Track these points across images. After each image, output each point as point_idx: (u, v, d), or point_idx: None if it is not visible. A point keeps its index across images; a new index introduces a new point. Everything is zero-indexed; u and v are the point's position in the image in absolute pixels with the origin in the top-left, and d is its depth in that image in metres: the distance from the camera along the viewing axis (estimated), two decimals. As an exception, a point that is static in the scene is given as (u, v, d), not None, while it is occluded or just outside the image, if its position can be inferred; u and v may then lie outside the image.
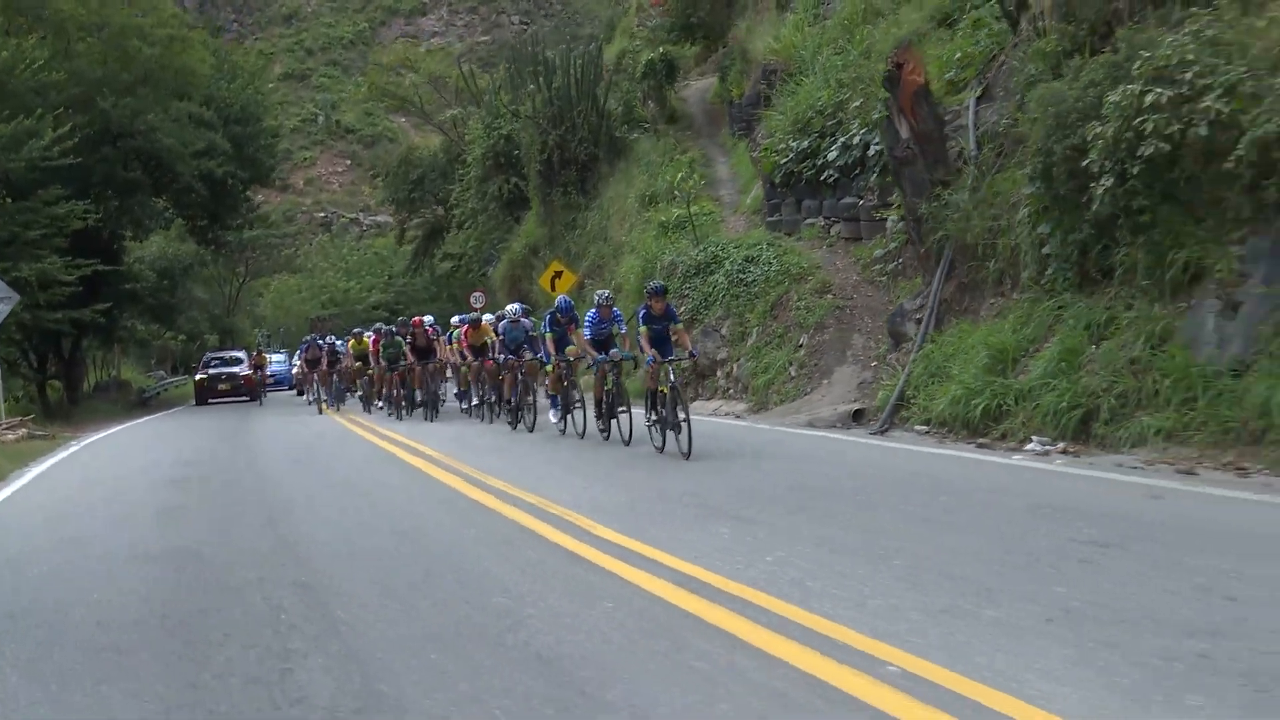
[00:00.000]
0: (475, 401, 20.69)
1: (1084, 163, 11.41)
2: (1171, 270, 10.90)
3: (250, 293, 68.95)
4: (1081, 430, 11.10)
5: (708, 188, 26.18)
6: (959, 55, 16.98)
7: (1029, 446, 11.20)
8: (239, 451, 17.13)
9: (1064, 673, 4.36)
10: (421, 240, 51.20)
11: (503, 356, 18.22)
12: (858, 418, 14.52)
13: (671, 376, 12.11)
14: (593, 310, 14.14)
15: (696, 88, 32.72)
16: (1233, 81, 10.02)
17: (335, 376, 27.60)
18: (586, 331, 14.15)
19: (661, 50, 31.00)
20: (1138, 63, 10.90)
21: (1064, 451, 10.86)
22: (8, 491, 13.24)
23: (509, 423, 17.72)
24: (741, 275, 19.57)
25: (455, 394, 22.77)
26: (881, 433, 13.51)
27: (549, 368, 15.84)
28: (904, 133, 14.91)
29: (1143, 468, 9.60)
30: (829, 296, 17.64)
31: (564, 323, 15.17)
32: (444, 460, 13.22)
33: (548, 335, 15.36)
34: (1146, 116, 10.58)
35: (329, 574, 7.14)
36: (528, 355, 17.53)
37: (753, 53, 26.71)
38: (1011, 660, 4.54)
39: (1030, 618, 5.12)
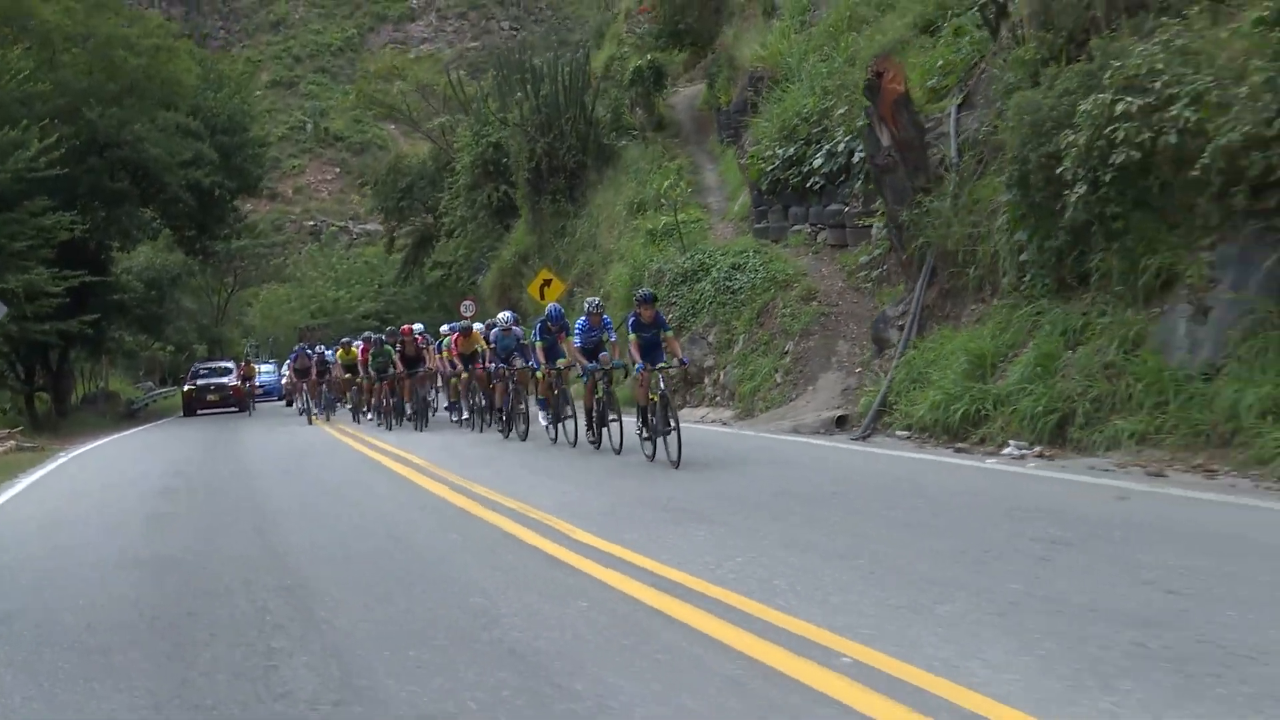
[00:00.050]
0: (465, 415, 20.82)
1: (1058, 170, 11.75)
2: (1144, 276, 11.24)
3: (239, 303, 69.23)
4: (1058, 434, 11.43)
5: (696, 195, 26.49)
6: (941, 63, 17.31)
7: (1006, 450, 11.52)
8: (227, 462, 17.42)
9: (1005, 661, 4.67)
10: (411, 249, 51.48)
11: (494, 365, 18.40)
12: (841, 424, 14.83)
13: (661, 384, 12.28)
14: (582, 318, 14.28)
15: (685, 94, 33.01)
16: (1199, 91, 10.36)
17: (324, 387, 27.81)
18: (576, 339, 14.27)
19: (649, 57, 31.29)
20: (1109, 72, 11.25)
21: (1040, 455, 11.17)
22: (-3, 502, 13.54)
23: (501, 431, 17.90)
24: (728, 283, 19.91)
25: (446, 406, 23.00)
26: (864, 438, 13.82)
27: (540, 374, 16.11)
28: (885, 141, 15.24)
29: (1114, 470, 9.92)
30: (814, 303, 17.98)
31: (554, 330, 15.40)
32: (431, 469, 13.51)
33: (538, 344, 15.64)
34: (1118, 125, 10.92)
35: (313, 578, 7.44)
36: (519, 363, 17.66)
37: (740, 60, 27.04)
38: (958, 650, 4.84)
39: (982, 611, 5.43)
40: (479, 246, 38.43)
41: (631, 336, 12.79)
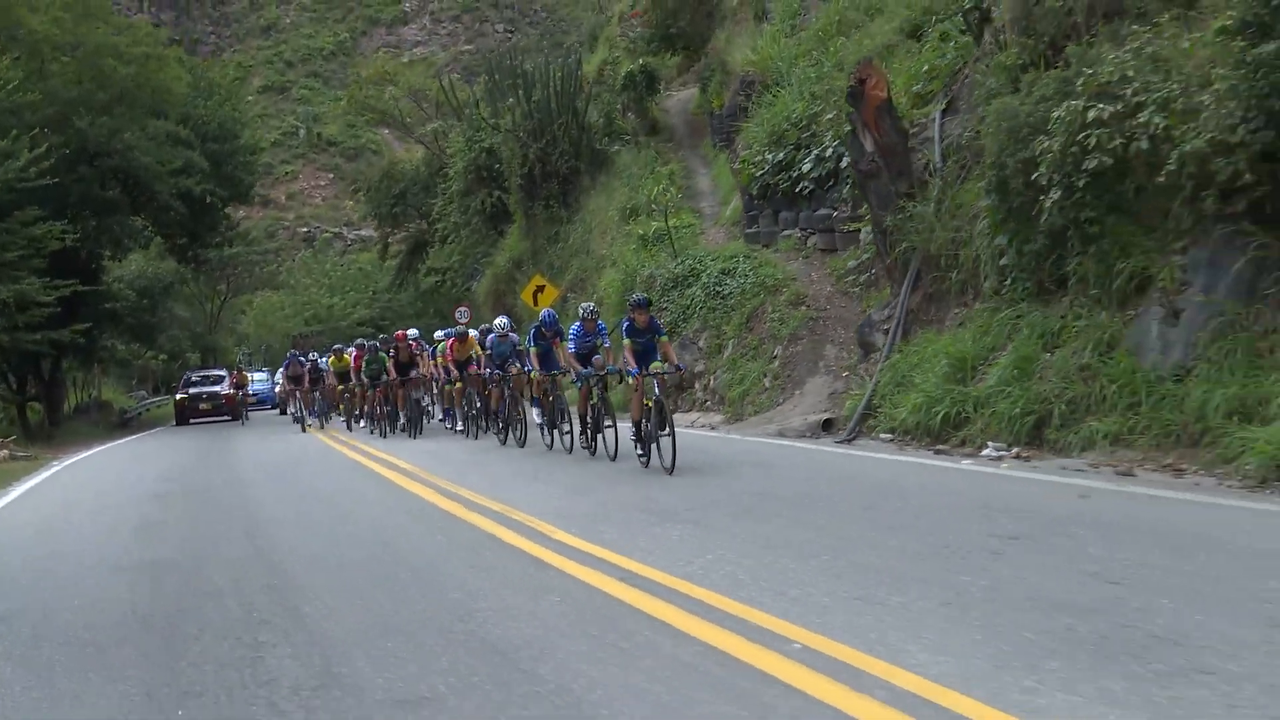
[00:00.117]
0: (459, 426, 21.03)
1: (1034, 176, 12.17)
2: (1119, 279, 11.68)
3: (233, 310, 69.65)
4: (1035, 435, 11.83)
5: (689, 199, 26.95)
6: (926, 68, 17.74)
7: (985, 452, 11.93)
8: (219, 469, 17.82)
9: (944, 645, 5.08)
10: (405, 255, 51.87)
11: (488, 371, 18.60)
12: (827, 427, 15.23)
13: (655, 389, 12.43)
14: (577, 324, 14.42)
15: (679, 98, 33.47)
16: (1166, 98, 10.79)
17: (318, 394, 28.14)
18: (571, 345, 14.43)
19: (641, 62, 31.75)
20: (1081, 79, 11.68)
21: (1017, 456, 11.58)
22: (-9, 510, 13.97)
23: (497, 436, 18.04)
24: (718, 288, 20.34)
25: (441, 416, 23.29)
26: (848, 441, 14.23)
27: (533, 374, 16.44)
28: (869, 146, 15.66)
29: (1086, 470, 10.33)
30: (803, 308, 18.40)
31: (548, 336, 15.66)
32: (421, 475, 13.91)
33: (532, 349, 15.92)
34: (1090, 131, 11.36)
35: (299, 578, 7.87)
36: (515, 368, 17.83)
37: (732, 64, 27.52)
38: (902, 636, 5.26)
39: (930, 601, 5.85)
40: (473, 252, 38.81)
41: (626, 341, 12.84)
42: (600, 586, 6.74)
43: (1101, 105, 11.31)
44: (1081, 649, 4.91)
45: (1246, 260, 10.43)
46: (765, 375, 17.96)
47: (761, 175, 21.71)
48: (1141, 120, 10.97)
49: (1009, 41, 14.89)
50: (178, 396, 39.95)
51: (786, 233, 21.41)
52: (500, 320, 19.30)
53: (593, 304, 15.36)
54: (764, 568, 6.91)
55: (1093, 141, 11.33)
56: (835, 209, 19.73)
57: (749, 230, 22.63)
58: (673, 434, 11.99)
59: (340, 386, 27.12)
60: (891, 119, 15.59)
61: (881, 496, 9.67)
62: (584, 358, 14.25)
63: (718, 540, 7.96)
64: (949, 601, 5.81)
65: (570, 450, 15.09)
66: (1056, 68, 12.82)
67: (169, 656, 5.95)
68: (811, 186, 20.39)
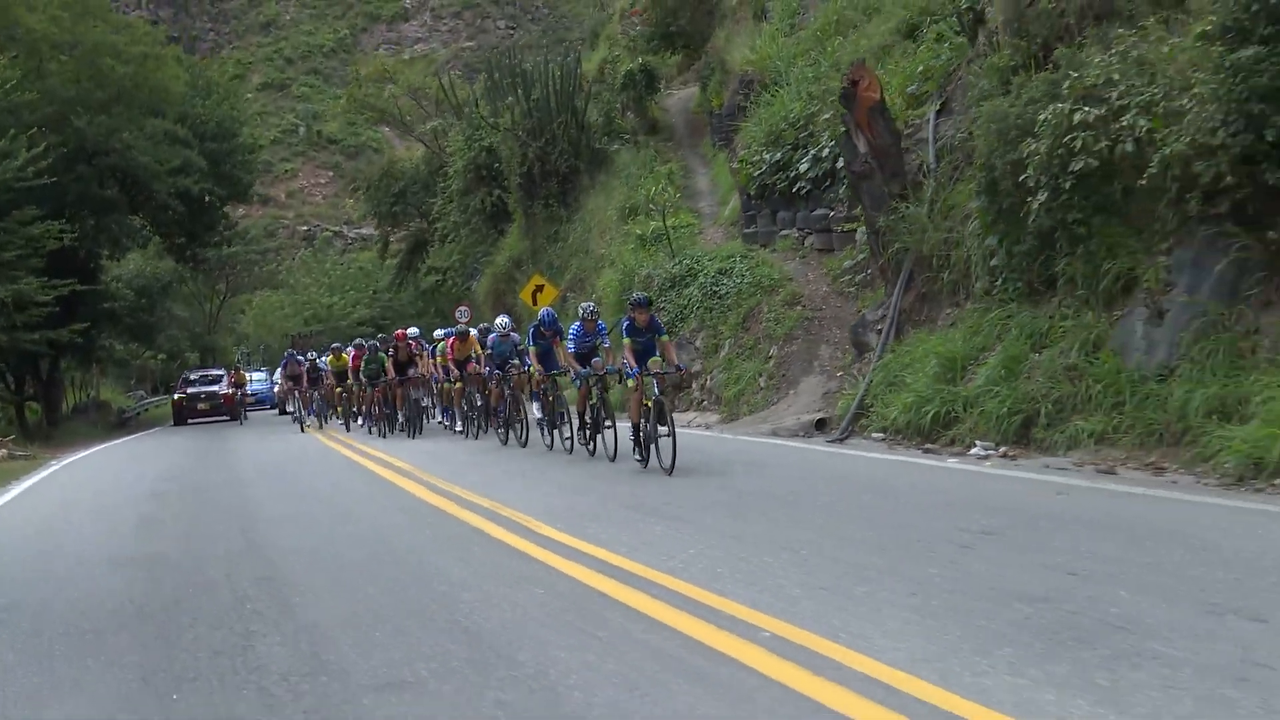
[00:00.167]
0: (459, 427, 21.28)
1: (1022, 177, 12.47)
2: (1105, 280, 11.98)
3: (232, 310, 70.02)
4: (1022, 434, 12.14)
5: (688, 199, 27.27)
6: (921, 68, 18.05)
7: (973, 451, 12.24)
8: (217, 469, 18.15)
9: (903, 632, 5.40)
10: (405, 254, 52.18)
11: (488, 370, 18.82)
12: (820, 426, 15.53)
13: (655, 389, 12.53)
14: (576, 323, 14.55)
15: (679, 97, 33.79)
16: (1149, 101, 11.09)
17: (317, 394, 28.39)
18: (570, 345, 14.58)
19: (641, 61, 32.06)
20: (1068, 81, 11.99)
21: (1004, 455, 11.88)
22: (-9, 508, 14.33)
23: (498, 435, 18.18)
24: (715, 288, 20.66)
25: (440, 418, 23.59)
26: (840, 440, 14.53)
27: (531, 370, 16.69)
28: (862, 148, 15.96)
29: (1069, 468, 10.65)
30: (799, 308, 18.72)
31: (548, 335, 15.87)
32: (417, 474, 14.22)
33: (531, 349, 16.14)
34: (1076, 134, 11.65)
35: (291, 571, 8.20)
36: (515, 368, 18.00)
37: (731, 63, 27.82)
38: (866, 624, 5.57)
39: (895, 593, 6.16)
40: (473, 252, 39.10)
41: (626, 341, 12.86)
42: (582, 579, 7.05)
43: (1087, 108, 11.62)
44: (1034, 636, 5.22)
45: (1229, 261, 10.73)
46: (761, 375, 18.28)
47: (759, 175, 22.02)
48: (1126, 123, 11.28)
49: (1002, 43, 15.18)
50: (175, 396, 40.28)
51: (784, 233, 21.72)
52: (502, 319, 19.42)
53: (593, 304, 15.44)
54: (742, 561, 7.22)
55: (1078, 144, 11.63)
56: (832, 209, 20.06)
57: (747, 230, 22.94)
58: (673, 434, 12.04)
59: (339, 388, 27.37)
60: (884, 120, 15.89)
61: (866, 494, 9.99)
62: (584, 358, 14.38)
63: (701, 536, 8.27)
64: (914, 592, 6.12)
65: (570, 451, 15.20)
66: (1047, 69, 13.12)
67: (164, 645, 6.27)
68: (808, 187, 20.71)
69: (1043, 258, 12.92)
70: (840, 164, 19.28)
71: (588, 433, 14.44)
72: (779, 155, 21.50)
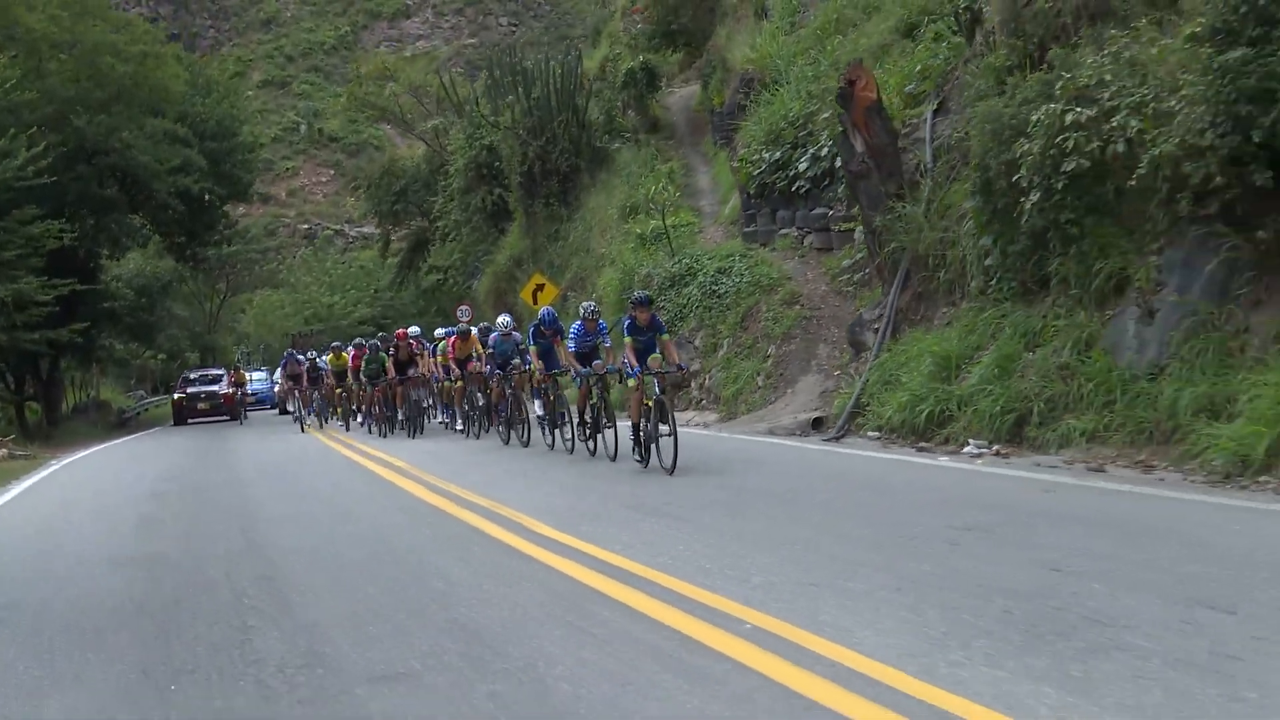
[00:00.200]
0: (460, 426, 21.38)
1: (1015, 177, 12.62)
2: (1097, 280, 12.13)
3: (232, 309, 70.15)
4: (1015, 433, 12.30)
5: (689, 198, 27.41)
6: (919, 68, 18.19)
7: (966, 449, 12.40)
8: (217, 469, 18.32)
9: (888, 626, 5.56)
10: (406, 253, 52.32)
11: (488, 368, 18.89)
12: (817, 425, 15.69)
13: (656, 388, 12.56)
14: (577, 323, 14.63)
15: (680, 95, 33.91)
16: (1139, 102, 11.25)
17: (317, 394, 28.53)
18: (571, 344, 14.64)
19: (641, 59, 32.17)
20: (1060, 82, 12.14)
21: (997, 454, 12.04)
22: (-8, 508, 14.51)
23: (499, 434, 18.30)
24: (714, 287, 20.82)
25: (441, 419, 23.74)
26: (836, 439, 14.70)
27: (531, 368, 16.82)
28: (859, 147, 16.12)
29: (1060, 466, 10.81)
30: (797, 307, 18.89)
31: (548, 334, 15.97)
32: (416, 473, 14.39)
33: (532, 348, 16.26)
34: (1068, 134, 11.80)
35: (291, 571, 8.37)
36: (516, 367, 18.06)
37: (732, 61, 27.95)
38: (852, 619, 5.73)
39: (883, 588, 6.32)
40: (474, 251, 39.24)
41: (627, 340, 12.87)
42: (580, 578, 7.21)
43: (1079, 108, 11.77)
44: (1014, 629, 5.39)
45: (1219, 261, 10.87)
46: (759, 374, 18.44)
47: (759, 174, 22.16)
48: (1117, 124, 11.43)
49: (998, 43, 15.32)
50: (175, 396, 40.40)
51: (783, 232, 21.87)
52: (503, 319, 19.44)
53: (594, 303, 15.49)
54: (732, 558, 7.39)
55: (1070, 144, 11.78)
56: (830, 208, 20.21)
57: (747, 229, 23.09)
58: (674, 433, 12.07)
59: (339, 387, 27.49)
60: (881, 120, 16.05)
61: (859, 492, 10.17)
62: (585, 357, 14.44)
63: (694, 534, 8.44)
64: (900, 587, 6.29)
65: (571, 450, 15.27)
66: (1043, 70, 13.26)
67: (163, 641, 6.44)
68: (808, 186, 20.86)
69: (1036, 257, 13.07)
70: (839, 163, 19.45)
71: (587, 431, 14.50)
72: (778, 154, 21.64)
